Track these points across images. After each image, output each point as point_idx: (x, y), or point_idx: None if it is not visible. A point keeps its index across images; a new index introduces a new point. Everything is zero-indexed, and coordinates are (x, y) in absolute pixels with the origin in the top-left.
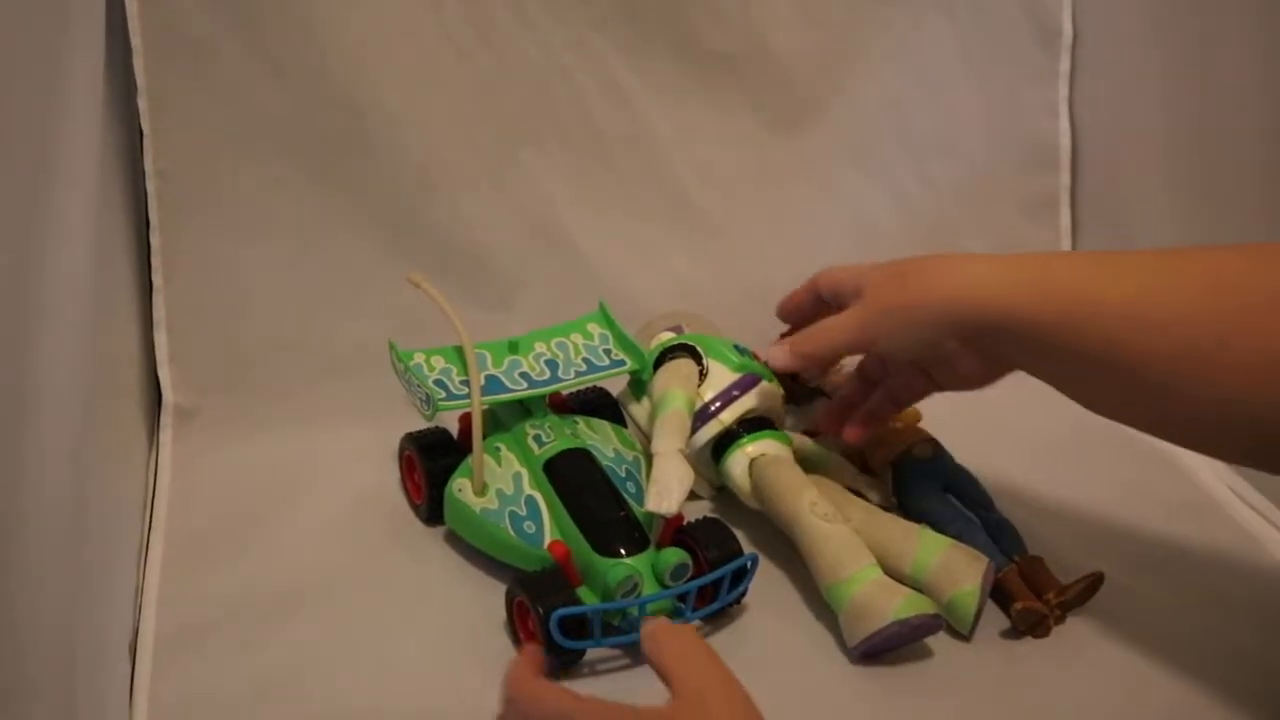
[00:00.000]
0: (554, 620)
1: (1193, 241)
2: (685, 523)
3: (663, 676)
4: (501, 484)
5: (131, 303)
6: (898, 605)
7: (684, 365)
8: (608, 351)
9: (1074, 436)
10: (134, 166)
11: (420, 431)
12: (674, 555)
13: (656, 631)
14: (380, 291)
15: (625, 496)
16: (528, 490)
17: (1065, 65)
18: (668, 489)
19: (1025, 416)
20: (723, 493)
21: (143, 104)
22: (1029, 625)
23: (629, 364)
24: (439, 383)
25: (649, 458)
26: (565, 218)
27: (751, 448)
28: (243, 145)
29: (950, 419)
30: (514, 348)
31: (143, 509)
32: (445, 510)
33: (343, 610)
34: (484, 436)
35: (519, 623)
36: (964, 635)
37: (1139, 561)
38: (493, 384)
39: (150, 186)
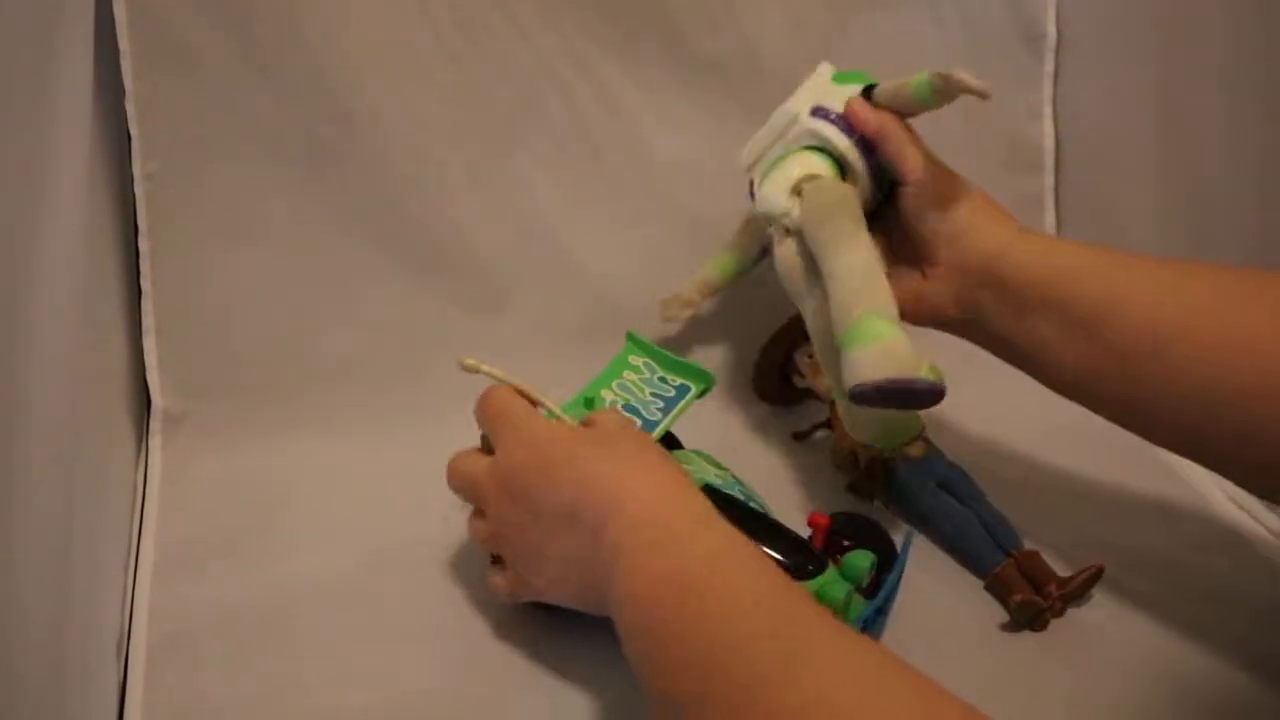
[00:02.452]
0: None
1: (1176, 240)
2: (834, 524)
3: None
4: None
5: (120, 307)
6: (926, 367)
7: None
8: (663, 380)
9: (1068, 437)
10: (122, 171)
11: None
12: (865, 559)
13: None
14: (370, 296)
15: (774, 516)
16: None
17: (1050, 67)
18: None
19: (1018, 417)
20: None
21: (131, 108)
22: (1028, 619)
23: (694, 389)
24: None
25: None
26: (556, 221)
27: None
28: (231, 149)
29: (944, 417)
30: (589, 404)
31: (132, 514)
32: None
33: (334, 616)
34: None
35: None
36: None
37: (1131, 558)
38: None
39: (139, 191)
